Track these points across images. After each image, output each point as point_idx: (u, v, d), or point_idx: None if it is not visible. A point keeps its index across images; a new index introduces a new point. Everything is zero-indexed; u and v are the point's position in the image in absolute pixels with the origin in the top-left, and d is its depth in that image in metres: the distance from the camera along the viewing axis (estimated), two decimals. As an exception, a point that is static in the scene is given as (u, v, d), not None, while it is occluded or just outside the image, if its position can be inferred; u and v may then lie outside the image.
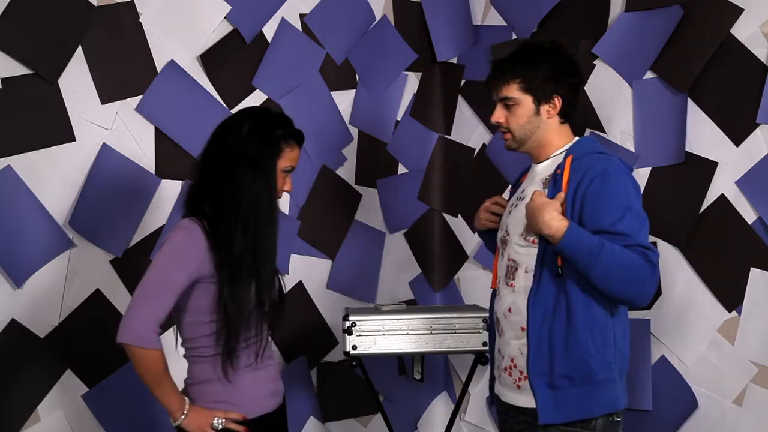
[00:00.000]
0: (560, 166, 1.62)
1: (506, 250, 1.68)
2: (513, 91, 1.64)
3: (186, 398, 1.57)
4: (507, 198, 1.82)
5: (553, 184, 1.61)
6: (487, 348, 2.09)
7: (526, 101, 1.64)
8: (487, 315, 2.03)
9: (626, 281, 1.51)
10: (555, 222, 1.51)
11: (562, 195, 1.55)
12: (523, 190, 1.69)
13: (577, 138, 1.71)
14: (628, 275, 1.50)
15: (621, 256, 1.50)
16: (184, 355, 1.64)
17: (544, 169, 1.68)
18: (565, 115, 1.68)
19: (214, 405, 1.58)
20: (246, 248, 1.54)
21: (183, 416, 1.55)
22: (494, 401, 1.74)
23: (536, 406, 1.56)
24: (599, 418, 1.57)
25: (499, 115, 1.67)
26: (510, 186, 1.88)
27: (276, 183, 1.59)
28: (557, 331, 1.57)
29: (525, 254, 1.62)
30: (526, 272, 1.62)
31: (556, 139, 1.68)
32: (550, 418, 1.56)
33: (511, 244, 1.65)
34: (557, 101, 1.65)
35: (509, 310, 1.64)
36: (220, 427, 1.55)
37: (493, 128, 2.36)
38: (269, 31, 2.45)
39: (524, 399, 1.61)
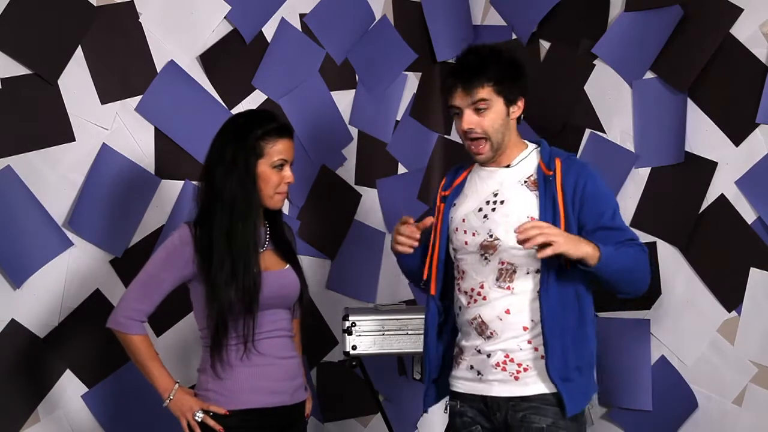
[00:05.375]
0: (550, 167, 1.65)
1: (494, 254, 1.66)
2: (488, 92, 1.64)
3: (177, 382, 1.68)
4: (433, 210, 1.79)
5: (544, 187, 1.63)
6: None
7: (499, 103, 1.65)
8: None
9: (637, 277, 1.64)
10: (587, 246, 1.56)
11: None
12: (495, 194, 1.68)
13: (534, 141, 1.74)
14: (638, 270, 1.64)
15: (631, 256, 1.61)
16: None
17: (518, 174, 1.68)
18: (519, 118, 1.72)
19: (204, 393, 1.68)
20: (224, 254, 1.63)
21: (168, 399, 1.66)
22: (459, 402, 1.73)
23: (557, 392, 1.61)
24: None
25: (472, 120, 1.64)
26: (441, 189, 1.81)
27: (253, 182, 1.66)
28: (569, 326, 1.62)
29: (524, 256, 1.62)
30: (527, 273, 1.63)
31: (518, 142, 1.72)
32: (573, 410, 1.61)
33: (504, 248, 1.65)
34: (521, 103, 1.69)
35: (507, 312, 1.64)
36: (199, 420, 1.65)
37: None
38: (269, 31, 2.46)
39: (528, 388, 1.63)
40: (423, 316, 2.13)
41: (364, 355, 2.15)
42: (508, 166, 1.69)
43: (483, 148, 1.65)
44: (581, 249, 1.54)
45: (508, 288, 1.65)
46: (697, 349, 2.12)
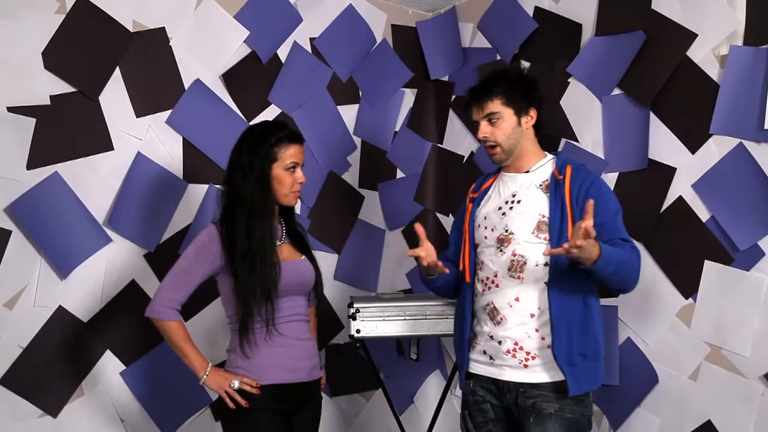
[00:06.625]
0: (561, 173, 1.76)
1: (508, 247, 1.77)
2: (497, 105, 1.79)
3: (209, 362, 1.77)
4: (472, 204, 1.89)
5: (555, 189, 1.76)
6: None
7: (509, 114, 1.80)
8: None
9: (629, 276, 1.70)
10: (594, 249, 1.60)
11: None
12: (514, 195, 1.81)
13: (552, 152, 1.87)
14: (631, 269, 1.70)
15: (623, 255, 1.65)
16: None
17: (534, 178, 1.81)
18: (537, 128, 1.85)
19: (234, 370, 1.79)
20: (245, 249, 1.73)
21: (205, 376, 1.75)
22: (473, 382, 1.81)
23: (565, 380, 1.68)
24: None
25: (486, 130, 1.81)
26: (470, 192, 1.93)
27: (268, 184, 1.75)
28: (575, 315, 1.69)
29: (535, 249, 1.74)
30: (536, 265, 1.72)
31: (535, 150, 1.84)
32: (574, 391, 1.68)
33: (517, 241, 1.76)
34: (533, 113, 1.82)
35: (516, 299, 1.74)
36: (236, 387, 1.74)
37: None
38: (283, 52, 2.59)
39: (537, 376, 1.71)
40: (418, 303, 2.26)
41: (367, 338, 2.24)
42: (527, 172, 1.82)
43: (496, 150, 1.81)
44: (593, 253, 1.58)
45: (519, 278, 1.73)
46: (659, 331, 2.20)
